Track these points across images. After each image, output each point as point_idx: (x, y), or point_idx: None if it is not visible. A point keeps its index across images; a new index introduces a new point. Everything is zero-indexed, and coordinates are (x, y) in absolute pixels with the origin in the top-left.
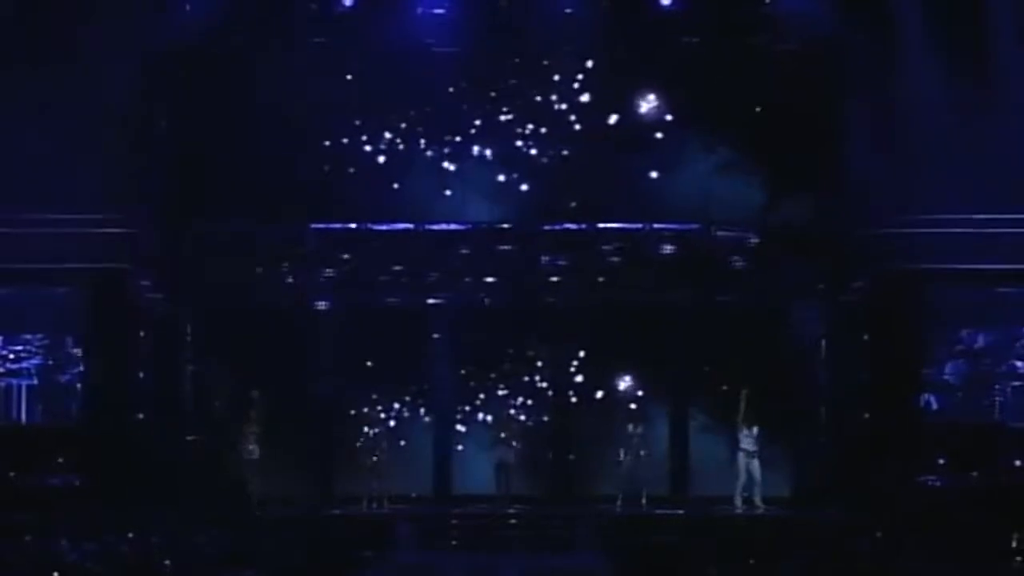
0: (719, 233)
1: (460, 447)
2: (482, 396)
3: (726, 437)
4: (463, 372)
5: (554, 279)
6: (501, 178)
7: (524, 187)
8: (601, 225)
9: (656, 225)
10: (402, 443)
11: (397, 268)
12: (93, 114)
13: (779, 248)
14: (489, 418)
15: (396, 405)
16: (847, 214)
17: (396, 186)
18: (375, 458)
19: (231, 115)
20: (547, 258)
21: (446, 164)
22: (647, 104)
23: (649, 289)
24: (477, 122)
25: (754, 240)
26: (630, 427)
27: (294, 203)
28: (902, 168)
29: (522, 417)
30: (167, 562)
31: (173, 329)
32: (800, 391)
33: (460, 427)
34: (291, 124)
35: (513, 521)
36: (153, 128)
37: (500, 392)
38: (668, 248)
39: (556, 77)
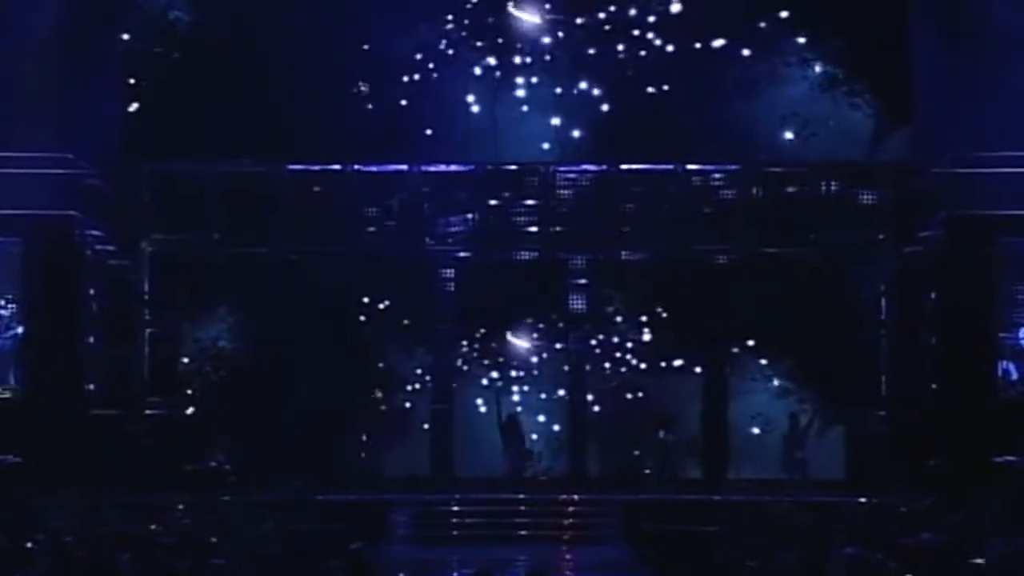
0: (764, 172)
1: (464, 421)
2: (490, 362)
3: (769, 411)
4: (470, 334)
5: (572, 229)
6: (535, 111)
7: (558, 121)
8: (624, 167)
9: (691, 166)
10: (396, 416)
11: (390, 213)
12: (35, 38)
13: (837, 188)
14: (499, 386)
15: (389, 371)
16: (916, 150)
17: (395, 121)
18: (365, 433)
19: (199, 34)
20: (564, 206)
21: (470, 97)
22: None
23: (683, 240)
24: (517, 42)
25: (808, 179)
26: (659, 427)
27: (271, 140)
28: (979, 100)
29: (537, 387)
30: (125, 555)
31: (128, 285)
32: (857, 357)
33: (464, 398)
34: (272, 46)
35: (524, 508)
36: (106, 53)
37: (511, 358)
38: (704, 192)
39: None
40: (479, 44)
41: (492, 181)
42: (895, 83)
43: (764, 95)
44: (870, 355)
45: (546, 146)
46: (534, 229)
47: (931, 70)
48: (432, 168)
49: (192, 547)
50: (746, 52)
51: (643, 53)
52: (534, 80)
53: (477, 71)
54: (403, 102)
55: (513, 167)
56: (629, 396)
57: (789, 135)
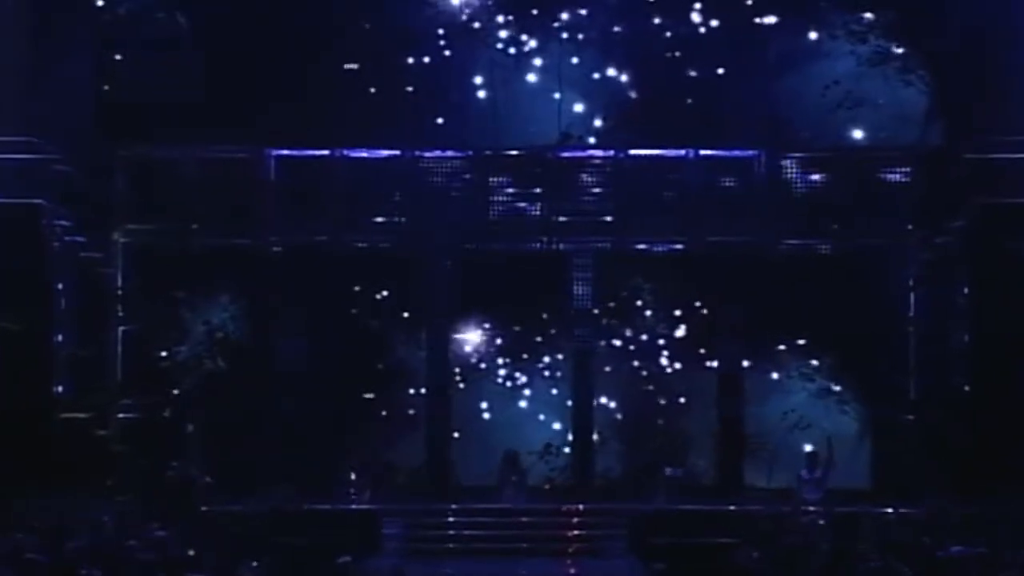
0: (786, 160)
1: (461, 427)
2: (492, 360)
3: (790, 412)
4: (464, 330)
5: (571, 219)
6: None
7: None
8: (632, 152)
9: (705, 152)
10: (388, 418)
11: (382, 203)
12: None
13: (862, 175)
14: (497, 389)
15: (380, 370)
16: (946, 134)
17: (394, 105)
18: (354, 435)
19: (180, 6)
20: (583, 194)
21: (479, 78)
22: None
23: (695, 230)
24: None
25: (832, 166)
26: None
27: (255, 123)
28: (1015, 80)
29: (546, 385)
30: (95, 572)
31: (100, 279)
32: (884, 357)
33: (460, 400)
34: (259, 21)
35: (525, 519)
36: (79, 27)
37: (510, 358)
38: (724, 180)
39: None
40: (501, 19)
41: (494, 167)
42: (947, 60)
43: (807, 72)
44: (898, 354)
45: (589, 136)
46: (541, 217)
47: (967, 49)
48: (428, 154)
49: (169, 562)
50: (790, 26)
51: (680, 30)
52: (574, 61)
53: (508, 49)
54: (407, 85)
55: (514, 152)
56: (644, 397)
57: (835, 115)
